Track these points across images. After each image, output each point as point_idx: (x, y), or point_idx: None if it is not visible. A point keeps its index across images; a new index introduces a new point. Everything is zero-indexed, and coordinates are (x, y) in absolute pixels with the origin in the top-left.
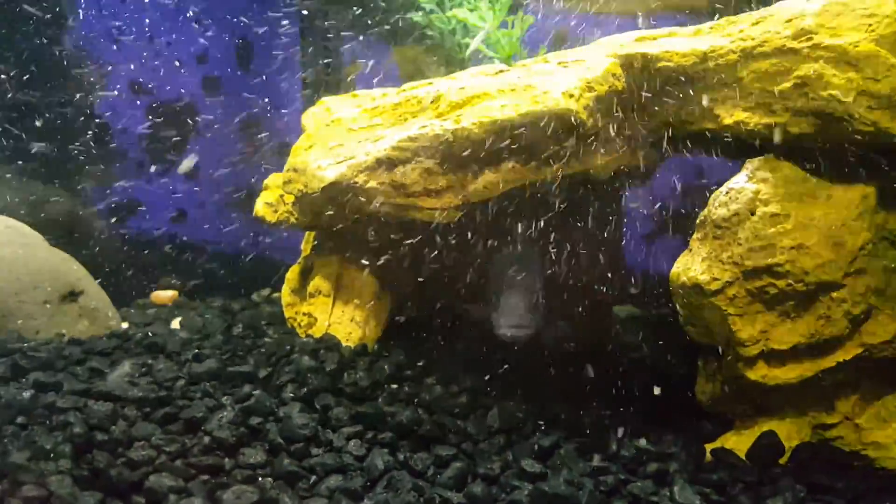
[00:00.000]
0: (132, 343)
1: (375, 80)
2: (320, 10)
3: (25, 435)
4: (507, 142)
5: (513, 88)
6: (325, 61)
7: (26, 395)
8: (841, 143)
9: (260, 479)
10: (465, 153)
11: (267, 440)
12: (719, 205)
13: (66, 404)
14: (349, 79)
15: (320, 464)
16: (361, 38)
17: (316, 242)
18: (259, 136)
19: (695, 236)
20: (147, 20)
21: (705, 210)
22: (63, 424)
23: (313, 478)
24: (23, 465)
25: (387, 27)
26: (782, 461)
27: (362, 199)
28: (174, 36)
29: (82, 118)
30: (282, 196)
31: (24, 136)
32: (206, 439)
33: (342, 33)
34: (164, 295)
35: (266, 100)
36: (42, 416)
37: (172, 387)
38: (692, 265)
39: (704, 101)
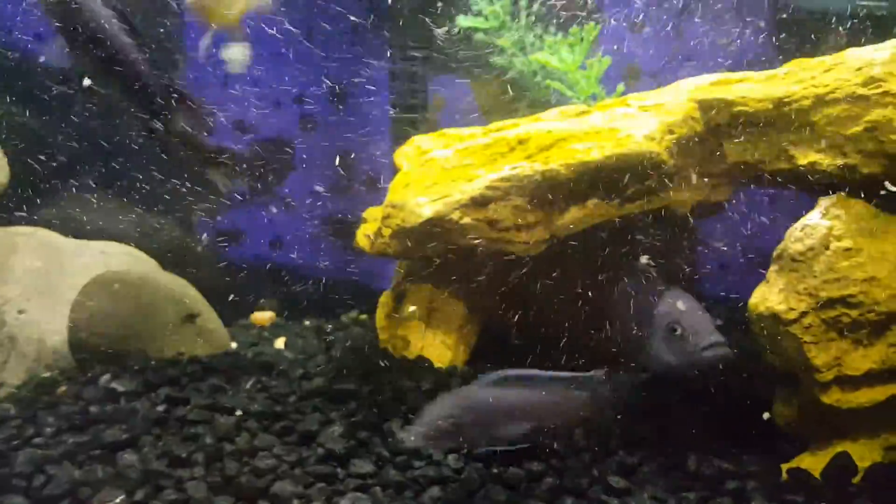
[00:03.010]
0: (245, 361)
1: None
2: (407, 50)
3: (162, 444)
4: (592, 181)
5: (597, 131)
6: (412, 99)
7: (160, 408)
8: None
9: (371, 487)
10: (553, 192)
11: (374, 452)
12: (795, 240)
13: (196, 417)
14: (432, 115)
15: (423, 475)
16: (443, 76)
17: (408, 271)
18: (350, 170)
19: (771, 269)
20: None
21: (781, 244)
22: (194, 436)
23: (417, 488)
24: (162, 471)
25: (467, 65)
26: (855, 481)
27: (457, 234)
28: (273, 79)
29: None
30: (379, 228)
31: (135, 169)
32: (320, 450)
33: (425, 72)
34: (263, 316)
35: (357, 136)
36: (175, 427)
37: (286, 402)
38: (769, 296)
39: (780, 143)
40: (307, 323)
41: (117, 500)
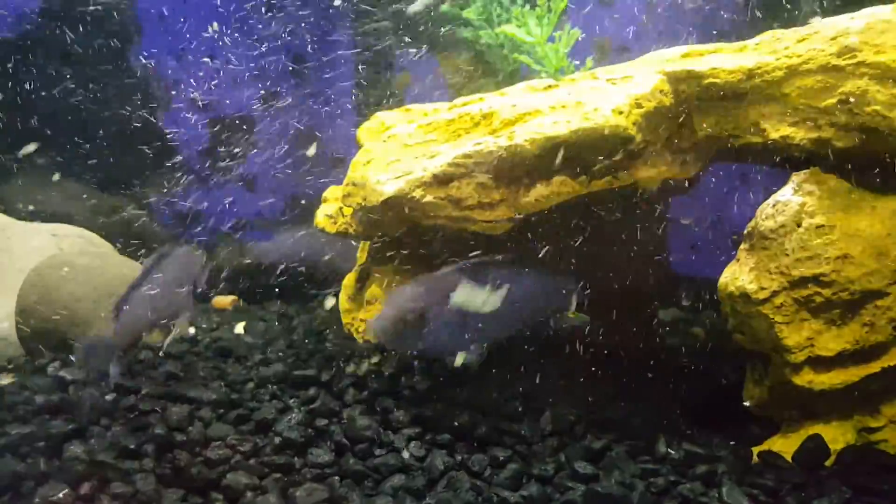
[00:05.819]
0: (202, 347)
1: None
2: (371, 24)
3: (110, 435)
4: (559, 157)
5: (563, 105)
6: (376, 74)
7: (109, 397)
8: (885, 156)
9: (328, 477)
10: (518, 168)
11: (333, 441)
12: (766, 217)
13: (147, 406)
14: (398, 91)
15: (384, 464)
16: (410, 50)
17: (372, 251)
18: (313, 148)
19: (742, 247)
20: (207, 40)
21: (752, 222)
22: (145, 425)
23: (378, 477)
24: (109, 463)
25: (434, 39)
26: (828, 464)
27: (419, 213)
28: (232, 53)
29: (148, 132)
30: (341, 208)
31: (91, 148)
32: (277, 439)
33: (391, 47)
34: (225, 300)
35: (320, 113)
36: (125, 417)
37: (243, 389)
38: (740, 275)
39: (751, 117)
40: (272, 308)
41: (60, 495)
